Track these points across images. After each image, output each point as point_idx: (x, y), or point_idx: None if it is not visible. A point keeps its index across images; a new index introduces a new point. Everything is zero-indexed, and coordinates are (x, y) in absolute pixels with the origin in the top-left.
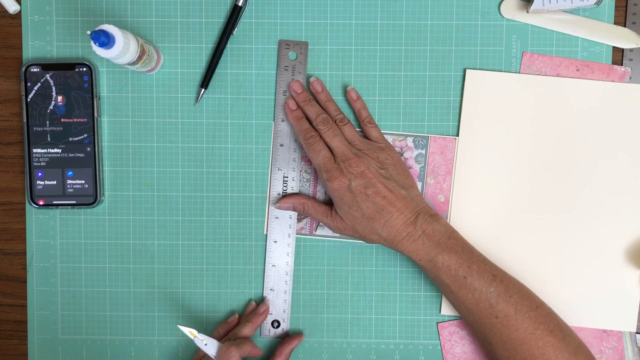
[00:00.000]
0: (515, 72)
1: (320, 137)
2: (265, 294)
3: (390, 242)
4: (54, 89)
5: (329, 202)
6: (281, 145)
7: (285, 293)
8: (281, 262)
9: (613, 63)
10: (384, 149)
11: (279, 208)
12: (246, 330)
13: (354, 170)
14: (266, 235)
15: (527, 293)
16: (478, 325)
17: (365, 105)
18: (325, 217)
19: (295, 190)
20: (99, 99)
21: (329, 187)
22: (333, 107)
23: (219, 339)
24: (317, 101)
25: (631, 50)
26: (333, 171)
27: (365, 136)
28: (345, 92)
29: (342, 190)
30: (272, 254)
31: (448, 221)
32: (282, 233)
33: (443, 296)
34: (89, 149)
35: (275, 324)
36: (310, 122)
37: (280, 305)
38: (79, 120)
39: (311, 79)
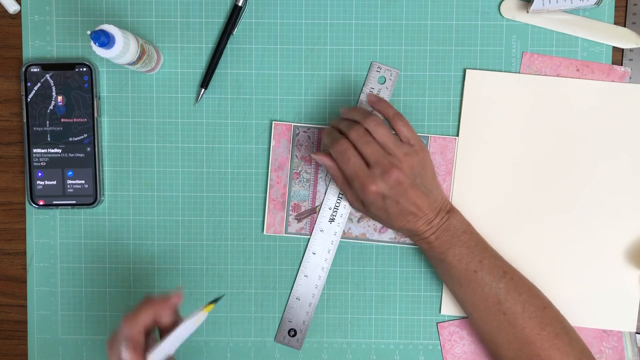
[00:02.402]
0: (515, 72)
1: (354, 145)
2: (290, 302)
3: (405, 234)
4: (54, 89)
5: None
6: None
7: (310, 306)
8: (314, 274)
9: (613, 63)
10: (418, 151)
11: (314, 158)
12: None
13: (390, 181)
14: (306, 245)
15: (536, 293)
16: (483, 323)
17: (389, 103)
18: (344, 192)
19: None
20: (99, 99)
21: (362, 196)
22: (358, 112)
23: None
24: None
25: (631, 50)
26: (367, 180)
27: (396, 133)
28: (367, 97)
29: (375, 198)
30: (308, 264)
31: None
32: (323, 247)
33: (443, 296)
34: (89, 149)
35: (292, 332)
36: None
37: (302, 316)
38: (79, 120)
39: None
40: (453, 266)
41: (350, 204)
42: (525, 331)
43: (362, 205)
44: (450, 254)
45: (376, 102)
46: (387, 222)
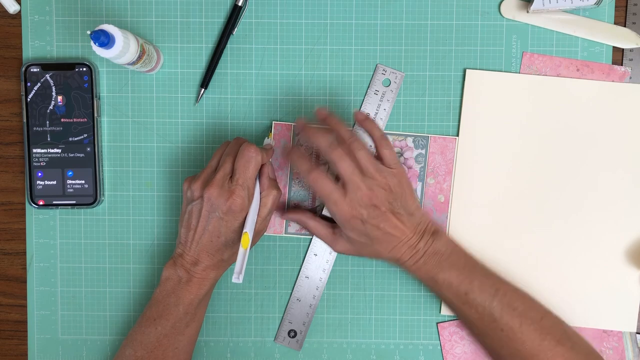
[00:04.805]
0: (515, 72)
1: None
2: (290, 303)
3: (391, 262)
4: (53, 89)
5: (331, 223)
6: None
7: (310, 307)
8: (316, 276)
9: (613, 63)
10: (396, 175)
11: (284, 218)
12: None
13: (367, 203)
14: (307, 246)
15: (531, 303)
16: (484, 338)
17: (376, 124)
18: (326, 239)
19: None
20: (99, 99)
21: (340, 219)
22: (344, 130)
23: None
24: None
25: (631, 50)
26: (345, 203)
27: (377, 155)
28: (353, 114)
29: (354, 222)
30: (310, 265)
31: (448, 221)
32: (325, 249)
33: None
34: (88, 149)
35: (292, 333)
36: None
37: (302, 317)
38: (79, 120)
39: (317, 109)
40: (444, 289)
41: (336, 248)
42: (526, 345)
43: (348, 242)
44: (440, 278)
45: (364, 120)
46: (372, 250)
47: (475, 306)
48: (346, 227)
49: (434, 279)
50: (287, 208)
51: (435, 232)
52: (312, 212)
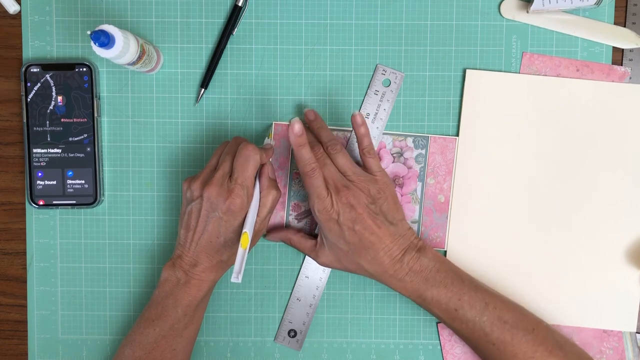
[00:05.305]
0: (515, 72)
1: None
2: (290, 303)
3: (376, 277)
4: (53, 89)
5: (315, 237)
6: None
7: (310, 307)
8: (316, 276)
9: (613, 63)
10: (378, 181)
11: (268, 239)
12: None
13: (343, 202)
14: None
15: (522, 315)
16: (478, 351)
17: (369, 132)
18: (310, 252)
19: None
20: (99, 99)
21: (318, 217)
22: (325, 133)
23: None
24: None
25: (631, 50)
26: (324, 202)
27: (362, 165)
28: (351, 115)
29: (330, 223)
30: (309, 265)
31: (448, 221)
32: None
33: None
34: (89, 149)
35: (292, 333)
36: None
37: (302, 317)
38: (79, 120)
39: (305, 110)
40: (433, 307)
41: (320, 260)
42: (518, 357)
43: (330, 251)
44: (428, 297)
45: (360, 125)
46: (353, 260)
47: (465, 322)
48: (324, 229)
49: (421, 297)
50: (287, 209)
51: (421, 248)
52: (293, 229)
